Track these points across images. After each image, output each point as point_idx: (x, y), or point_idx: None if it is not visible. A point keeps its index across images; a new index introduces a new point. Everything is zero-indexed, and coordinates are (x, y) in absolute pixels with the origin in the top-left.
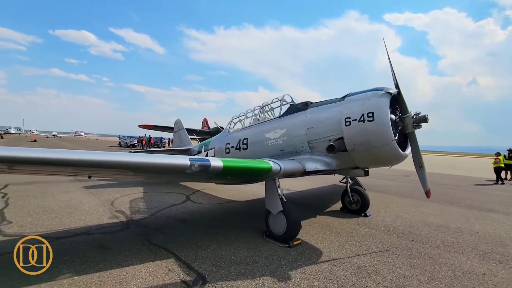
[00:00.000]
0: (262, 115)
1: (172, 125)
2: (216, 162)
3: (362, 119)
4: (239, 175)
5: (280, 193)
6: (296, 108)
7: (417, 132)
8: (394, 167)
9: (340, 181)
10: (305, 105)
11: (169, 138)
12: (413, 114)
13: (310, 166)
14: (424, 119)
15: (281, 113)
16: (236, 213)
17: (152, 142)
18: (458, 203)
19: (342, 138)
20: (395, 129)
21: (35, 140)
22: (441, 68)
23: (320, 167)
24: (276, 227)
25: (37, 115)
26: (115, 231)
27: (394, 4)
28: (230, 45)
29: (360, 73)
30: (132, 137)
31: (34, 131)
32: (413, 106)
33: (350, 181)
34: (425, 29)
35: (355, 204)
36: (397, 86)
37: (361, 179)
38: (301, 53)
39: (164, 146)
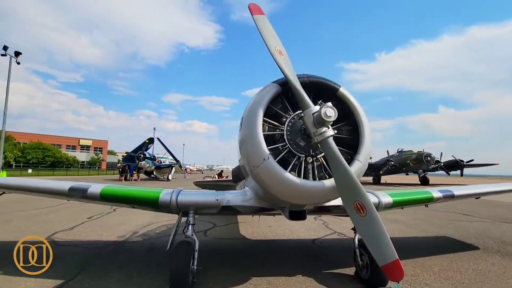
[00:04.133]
0: None
1: None
2: (96, 189)
3: (240, 126)
4: (121, 202)
5: (186, 232)
6: None
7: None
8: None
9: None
10: None
11: None
12: (314, 111)
13: (224, 198)
14: (325, 117)
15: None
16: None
17: None
18: None
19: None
20: (296, 141)
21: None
22: None
23: (233, 201)
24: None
25: (233, 155)
26: None
27: None
28: (394, 68)
29: None
30: None
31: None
32: None
33: None
34: None
35: (365, 269)
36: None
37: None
38: (502, 54)
39: None
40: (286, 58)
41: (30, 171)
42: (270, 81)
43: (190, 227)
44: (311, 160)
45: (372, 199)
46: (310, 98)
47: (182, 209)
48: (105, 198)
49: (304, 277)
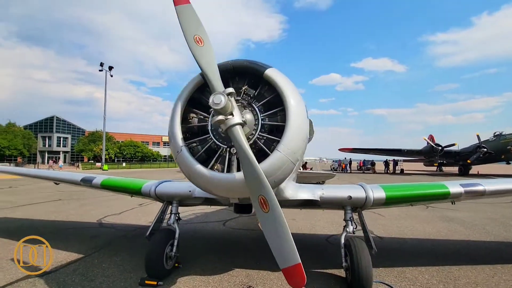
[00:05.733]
0: None
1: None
2: (98, 180)
3: None
4: (115, 191)
5: (168, 219)
6: None
7: None
8: None
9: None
10: None
11: (386, 160)
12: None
13: (195, 189)
14: (213, 105)
15: None
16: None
17: (361, 165)
18: None
19: None
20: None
21: None
22: None
23: (197, 192)
24: None
25: None
26: None
27: None
28: (501, 32)
29: None
30: (336, 160)
31: None
32: None
33: (350, 225)
34: None
35: (348, 272)
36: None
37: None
38: None
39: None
40: (207, 45)
41: (124, 164)
42: (336, 65)
43: (172, 216)
44: (235, 151)
45: (358, 193)
46: (240, 84)
47: (161, 199)
48: (105, 187)
49: None
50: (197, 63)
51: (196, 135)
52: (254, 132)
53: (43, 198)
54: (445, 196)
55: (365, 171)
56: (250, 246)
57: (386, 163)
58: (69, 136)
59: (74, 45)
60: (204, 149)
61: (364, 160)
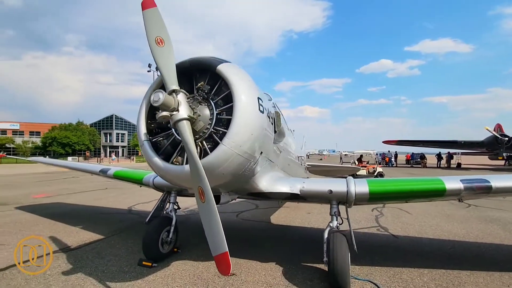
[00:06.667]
0: None
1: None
2: (112, 171)
3: None
4: (125, 180)
5: (166, 207)
6: None
7: None
8: None
9: None
10: None
11: (439, 153)
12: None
13: None
14: (153, 102)
15: None
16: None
17: (408, 158)
18: None
19: None
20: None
21: (320, 159)
22: None
23: None
24: None
25: (348, 139)
26: None
27: None
28: None
29: None
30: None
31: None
32: None
33: (334, 220)
34: None
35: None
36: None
37: None
38: None
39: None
40: (167, 45)
41: None
42: (387, 50)
43: (170, 205)
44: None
45: (339, 187)
46: (202, 81)
47: (159, 188)
48: (117, 177)
49: (276, 265)
50: (155, 62)
51: (166, 130)
52: (209, 126)
53: (93, 187)
54: (440, 193)
55: (414, 165)
56: (251, 237)
57: (439, 156)
58: (126, 132)
59: (131, 49)
60: (169, 143)
61: (413, 153)
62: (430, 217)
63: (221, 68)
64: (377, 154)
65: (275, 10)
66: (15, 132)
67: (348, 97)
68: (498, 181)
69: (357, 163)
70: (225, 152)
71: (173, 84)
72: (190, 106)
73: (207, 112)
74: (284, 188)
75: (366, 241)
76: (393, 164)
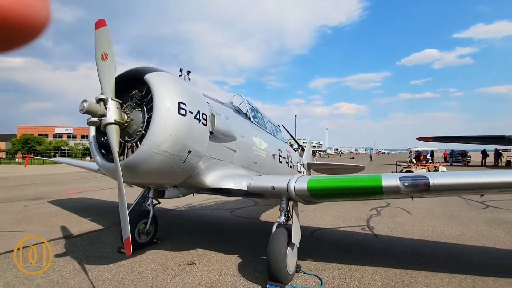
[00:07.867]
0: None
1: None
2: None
3: None
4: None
5: (145, 202)
6: None
7: None
8: None
9: None
10: None
11: (484, 150)
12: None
13: None
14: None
15: None
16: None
17: (446, 155)
18: None
19: None
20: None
21: (352, 158)
22: None
23: None
24: None
25: (388, 136)
26: None
27: None
28: None
29: None
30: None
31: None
32: None
33: (282, 215)
34: None
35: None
36: None
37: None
38: None
39: (468, 162)
40: (110, 60)
41: None
42: (432, 39)
43: (149, 199)
44: (130, 145)
45: (280, 183)
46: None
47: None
48: (105, 174)
49: (237, 258)
50: (98, 74)
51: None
52: (141, 129)
53: None
54: (377, 190)
55: (453, 163)
56: (233, 231)
57: (484, 153)
58: None
59: (170, 55)
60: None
61: (452, 150)
62: (431, 218)
63: (147, 77)
64: (410, 152)
65: (307, 5)
66: (69, 135)
67: (388, 91)
68: (436, 178)
69: (414, 161)
70: (144, 151)
71: (105, 94)
72: (124, 111)
73: (140, 116)
74: (230, 184)
75: (340, 239)
76: (430, 162)
